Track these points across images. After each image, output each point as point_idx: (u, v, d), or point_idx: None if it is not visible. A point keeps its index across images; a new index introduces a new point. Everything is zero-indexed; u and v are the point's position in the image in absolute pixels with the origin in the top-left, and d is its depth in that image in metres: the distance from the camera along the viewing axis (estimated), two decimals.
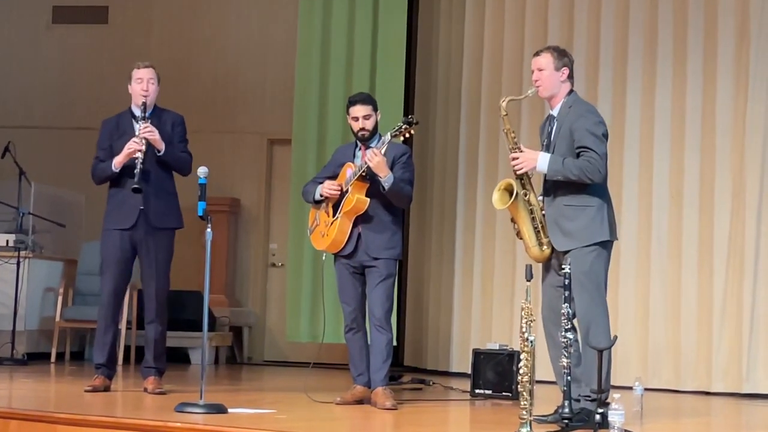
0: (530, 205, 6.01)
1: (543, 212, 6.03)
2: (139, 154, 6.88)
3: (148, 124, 6.98)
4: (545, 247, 6.00)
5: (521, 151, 6.01)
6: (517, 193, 5.92)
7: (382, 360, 6.62)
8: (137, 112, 7.08)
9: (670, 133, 9.17)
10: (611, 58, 9.45)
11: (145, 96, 7.05)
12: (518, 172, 6.01)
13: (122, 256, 7.06)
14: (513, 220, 6.07)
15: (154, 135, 6.96)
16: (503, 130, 6.12)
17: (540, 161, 5.94)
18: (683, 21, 9.19)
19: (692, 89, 9.10)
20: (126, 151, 6.94)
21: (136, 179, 6.83)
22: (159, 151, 6.99)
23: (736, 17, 8.98)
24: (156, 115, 7.14)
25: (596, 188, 5.98)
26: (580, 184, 5.91)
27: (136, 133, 6.98)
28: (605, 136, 6.02)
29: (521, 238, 6.07)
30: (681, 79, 9.15)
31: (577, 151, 5.94)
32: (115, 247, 7.05)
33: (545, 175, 6.02)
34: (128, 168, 6.95)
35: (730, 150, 8.93)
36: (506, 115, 6.09)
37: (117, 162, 6.98)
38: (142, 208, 6.97)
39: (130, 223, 7.00)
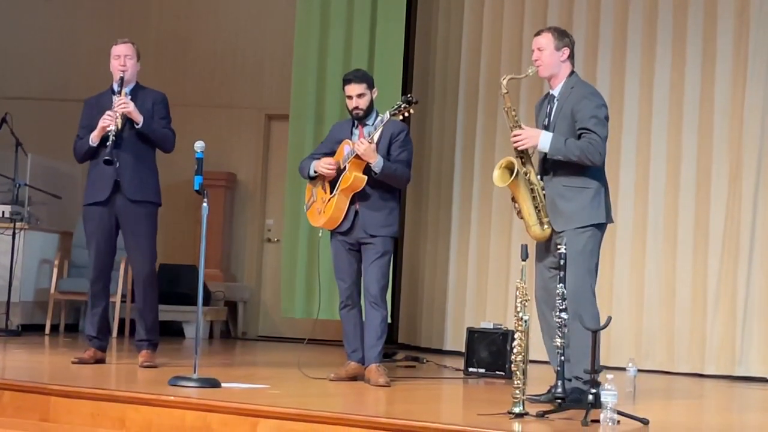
0: (531, 183, 5.99)
1: (544, 191, 6.02)
2: (112, 127, 6.89)
3: (122, 97, 6.98)
4: (546, 226, 5.98)
5: (522, 129, 6.01)
6: (518, 171, 5.89)
7: (376, 337, 6.63)
8: (116, 88, 7.09)
9: (668, 117, 9.16)
10: (610, 40, 9.44)
11: (123, 71, 7.06)
12: (519, 148, 5.98)
13: (102, 230, 7.05)
14: (514, 199, 6.06)
15: (128, 107, 6.95)
16: (504, 108, 6.10)
17: (542, 139, 5.93)
18: (683, 4, 9.16)
19: (691, 72, 9.09)
20: (100, 124, 6.94)
21: (107, 151, 6.84)
22: (137, 124, 6.98)
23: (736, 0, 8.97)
24: (135, 91, 7.13)
25: (595, 171, 5.98)
26: (580, 165, 5.91)
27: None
28: (607, 119, 6.01)
29: (522, 217, 6.05)
30: (680, 61, 9.14)
31: (579, 132, 5.93)
32: (94, 222, 7.07)
33: (545, 155, 6.01)
34: (106, 141, 6.95)
35: (728, 134, 8.93)
36: (507, 93, 6.06)
37: (94, 136, 6.99)
38: (117, 180, 6.97)
39: (105, 195, 6.99)
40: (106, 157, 6.83)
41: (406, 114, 6.51)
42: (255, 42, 11.67)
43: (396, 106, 6.49)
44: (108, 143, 6.87)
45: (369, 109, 6.75)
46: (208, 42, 11.75)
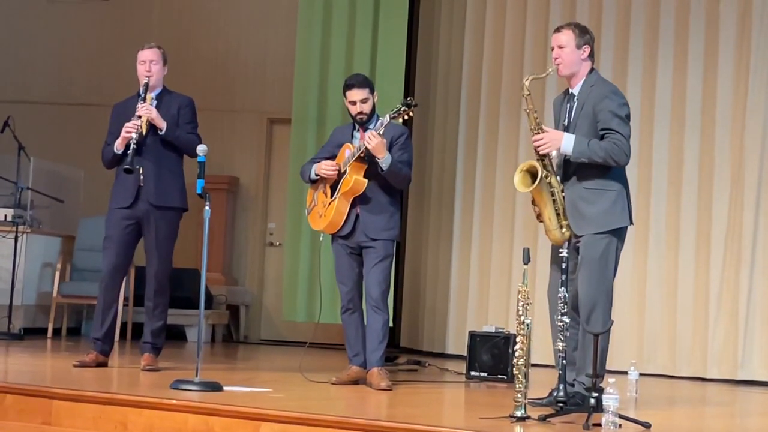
0: (551, 187, 5.87)
1: (563, 194, 5.90)
2: (133, 135, 6.90)
3: (145, 103, 7.00)
4: (565, 229, 5.87)
5: (544, 132, 5.89)
6: (541, 177, 5.78)
7: (378, 341, 6.63)
8: (141, 93, 7.10)
9: (670, 119, 9.16)
10: (612, 43, 9.43)
11: (148, 77, 7.07)
12: (541, 152, 5.85)
13: (122, 234, 7.06)
14: (534, 203, 5.95)
15: (151, 113, 6.97)
16: (525, 110, 5.96)
17: (565, 142, 5.80)
18: (685, 6, 9.17)
19: (693, 75, 9.09)
20: (123, 133, 6.96)
21: (128, 160, 6.86)
22: (160, 130, 7.00)
23: (739, 2, 8.96)
24: (161, 96, 7.15)
25: (617, 172, 5.89)
26: (602, 167, 5.81)
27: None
28: (629, 117, 5.91)
29: (541, 221, 5.95)
30: (682, 64, 9.13)
31: (602, 133, 5.83)
32: (116, 225, 7.07)
33: (566, 157, 5.89)
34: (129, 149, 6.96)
35: (730, 137, 8.93)
36: (529, 94, 5.94)
37: (118, 144, 7.03)
38: (141, 185, 6.98)
39: (129, 201, 7.01)
40: (126, 166, 6.85)
41: (406, 117, 6.51)
42: (257, 45, 11.69)
43: (396, 110, 6.49)
44: (128, 152, 6.88)
45: (372, 113, 6.76)
46: (209, 45, 11.76)
